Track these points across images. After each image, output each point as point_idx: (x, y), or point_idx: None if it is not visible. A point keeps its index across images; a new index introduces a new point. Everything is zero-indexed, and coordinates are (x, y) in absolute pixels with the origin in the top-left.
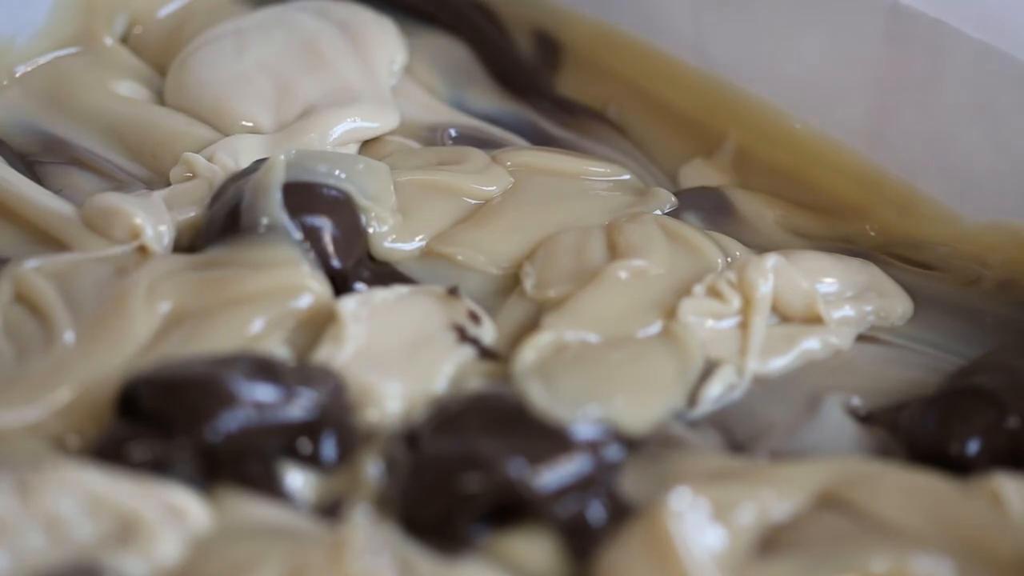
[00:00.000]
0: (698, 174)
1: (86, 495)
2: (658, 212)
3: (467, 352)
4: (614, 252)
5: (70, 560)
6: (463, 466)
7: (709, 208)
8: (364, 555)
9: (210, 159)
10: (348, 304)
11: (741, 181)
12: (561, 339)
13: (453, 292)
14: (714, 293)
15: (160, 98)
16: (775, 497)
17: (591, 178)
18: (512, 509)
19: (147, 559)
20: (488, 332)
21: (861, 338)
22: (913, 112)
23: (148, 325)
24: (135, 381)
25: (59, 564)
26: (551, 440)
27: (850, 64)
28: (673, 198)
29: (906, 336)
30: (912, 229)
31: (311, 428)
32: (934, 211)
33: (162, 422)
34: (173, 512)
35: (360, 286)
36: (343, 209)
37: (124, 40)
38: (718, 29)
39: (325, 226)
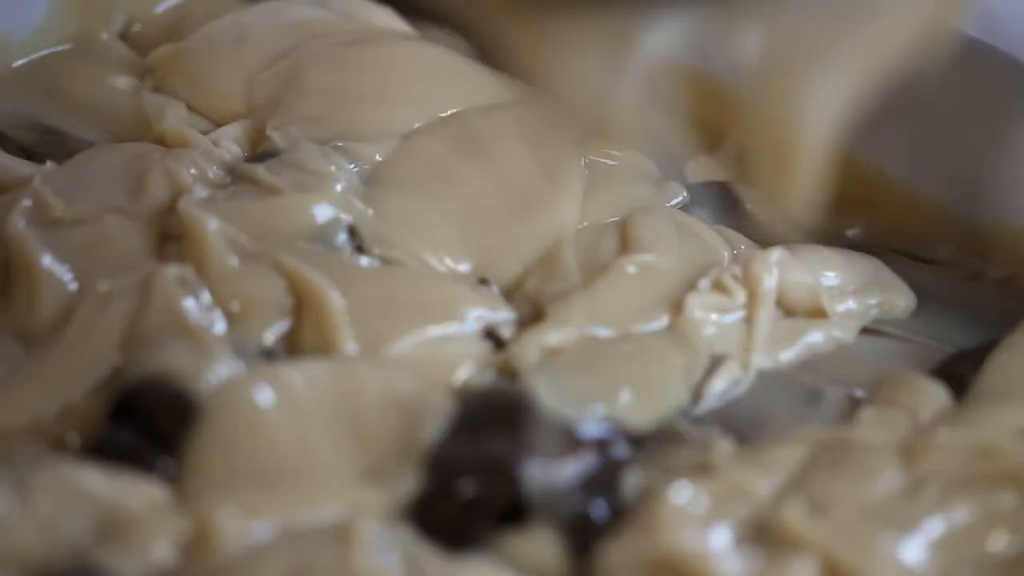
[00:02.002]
0: (702, 169)
1: (82, 494)
2: (669, 204)
3: (486, 347)
4: (626, 246)
5: (66, 559)
6: (473, 467)
7: (716, 203)
8: (372, 553)
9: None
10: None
11: (745, 177)
12: (569, 333)
13: (483, 282)
14: (719, 288)
15: (157, 91)
16: (770, 485)
17: (608, 161)
18: (518, 507)
19: (141, 558)
20: (508, 324)
21: (864, 331)
22: (913, 112)
23: None
24: (128, 388)
25: (55, 563)
26: (559, 439)
27: None
28: (685, 191)
29: (909, 329)
30: (913, 227)
31: None
32: (934, 210)
33: (157, 427)
34: (168, 511)
35: None
36: None
37: (123, 37)
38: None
39: None
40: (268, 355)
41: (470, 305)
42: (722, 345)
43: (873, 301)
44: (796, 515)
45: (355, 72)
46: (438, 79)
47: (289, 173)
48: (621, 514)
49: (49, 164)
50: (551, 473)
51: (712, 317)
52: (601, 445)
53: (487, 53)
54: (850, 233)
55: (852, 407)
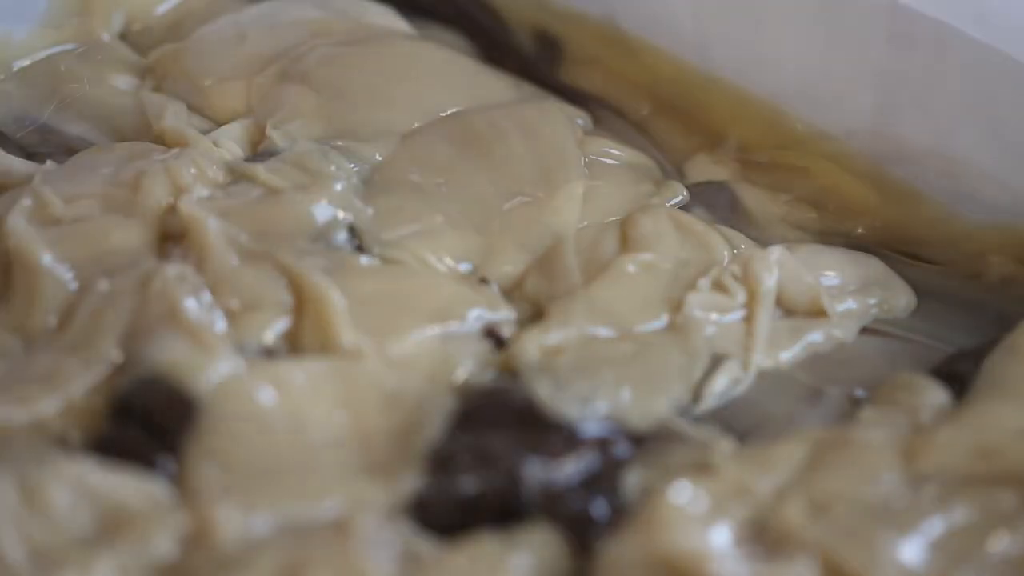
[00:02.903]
0: (702, 169)
1: (84, 489)
2: (669, 204)
3: (487, 346)
4: (626, 245)
5: (67, 553)
6: (473, 465)
7: (717, 202)
8: (369, 547)
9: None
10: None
11: (745, 177)
12: (569, 333)
13: (483, 281)
14: (719, 287)
15: (157, 90)
16: (770, 484)
17: (608, 160)
18: (518, 505)
19: (142, 554)
20: (509, 323)
21: (864, 331)
22: (914, 111)
23: None
24: (129, 386)
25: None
26: (560, 438)
27: (852, 64)
28: (685, 191)
29: (909, 328)
30: (913, 227)
31: None
32: (934, 210)
33: (158, 425)
34: (169, 507)
35: None
36: None
37: (123, 37)
38: (720, 29)
39: None
40: (269, 354)
41: (471, 304)
42: (722, 345)
43: (873, 301)
44: (796, 515)
45: (355, 72)
46: (438, 78)
47: (289, 172)
48: (622, 513)
49: (49, 163)
50: (552, 471)
51: (712, 316)
52: (602, 444)
53: (487, 52)
54: (850, 234)
55: (852, 407)
